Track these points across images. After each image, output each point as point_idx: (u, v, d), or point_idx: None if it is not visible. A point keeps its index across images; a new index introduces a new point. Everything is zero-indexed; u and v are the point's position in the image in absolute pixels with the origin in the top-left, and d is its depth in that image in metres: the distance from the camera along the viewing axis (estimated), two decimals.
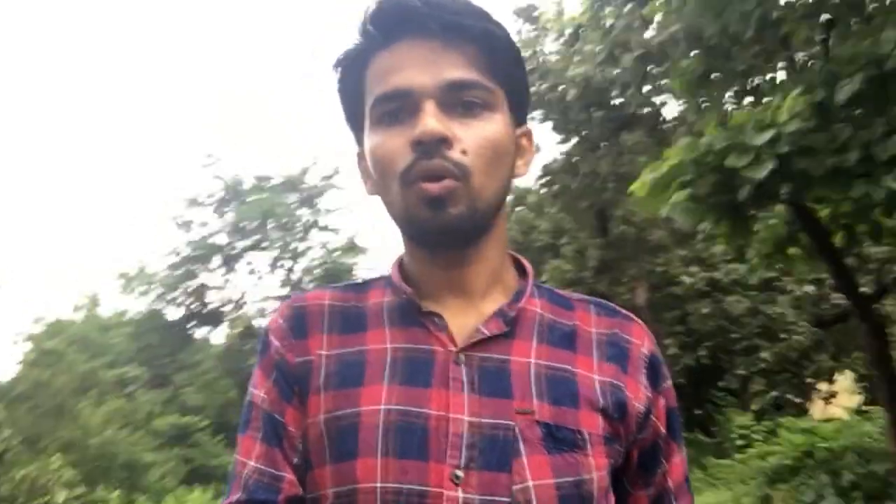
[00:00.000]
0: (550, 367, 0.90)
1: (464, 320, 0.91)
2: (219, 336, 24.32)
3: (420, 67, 0.87)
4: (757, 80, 6.56)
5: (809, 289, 11.52)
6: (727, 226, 5.40)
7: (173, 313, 23.27)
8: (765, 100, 5.81)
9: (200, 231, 22.76)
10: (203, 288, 22.98)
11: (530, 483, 0.84)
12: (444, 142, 0.85)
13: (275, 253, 23.05)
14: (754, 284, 12.56)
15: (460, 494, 0.83)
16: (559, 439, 0.86)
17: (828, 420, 10.04)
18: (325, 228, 23.63)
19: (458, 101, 0.87)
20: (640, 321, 0.99)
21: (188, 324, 23.32)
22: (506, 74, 0.91)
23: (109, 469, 14.97)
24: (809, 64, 6.26)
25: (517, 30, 13.94)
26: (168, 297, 22.72)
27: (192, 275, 22.76)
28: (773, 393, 11.00)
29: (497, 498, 0.83)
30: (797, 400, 13.27)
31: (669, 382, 0.98)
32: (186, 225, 22.79)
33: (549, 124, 9.19)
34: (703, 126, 5.95)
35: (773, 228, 6.48)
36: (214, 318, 23.59)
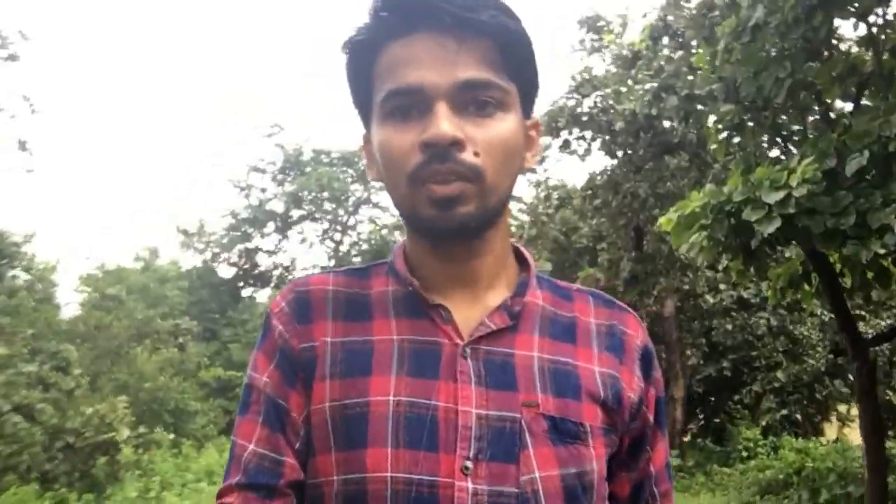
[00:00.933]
0: (553, 361, 0.92)
1: (469, 312, 0.93)
2: (265, 296, 25.59)
3: (433, 64, 0.86)
4: (790, 129, 7.20)
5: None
6: (741, 265, 6.10)
7: (226, 272, 24.58)
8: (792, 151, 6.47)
9: (259, 196, 23.91)
10: (256, 250, 24.16)
11: (537, 474, 0.86)
12: (455, 144, 0.85)
13: (326, 225, 24.11)
14: (783, 304, 13.15)
15: (470, 485, 0.85)
16: (563, 431, 0.89)
17: (835, 442, 10.65)
18: (375, 205, 24.61)
19: (471, 100, 0.87)
20: (634, 313, 1.02)
21: (239, 283, 24.58)
22: (519, 70, 0.91)
23: (159, 413, 16.19)
24: (841, 117, 6.86)
25: (580, 39, 14.55)
26: (222, 256, 23.98)
27: (246, 237, 23.94)
28: (783, 411, 11.65)
29: (505, 488, 0.85)
30: (816, 419, 13.85)
31: (659, 373, 1.01)
32: (247, 189, 23.95)
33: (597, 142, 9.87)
34: (736, 166, 6.64)
35: (790, 265, 7.15)
36: (263, 280, 24.79)
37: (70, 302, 20.82)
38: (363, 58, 0.91)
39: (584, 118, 9.46)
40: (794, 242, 6.58)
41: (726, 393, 13.37)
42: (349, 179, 24.61)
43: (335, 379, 0.90)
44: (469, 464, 0.85)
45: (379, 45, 0.89)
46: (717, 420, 13.63)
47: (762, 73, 5.93)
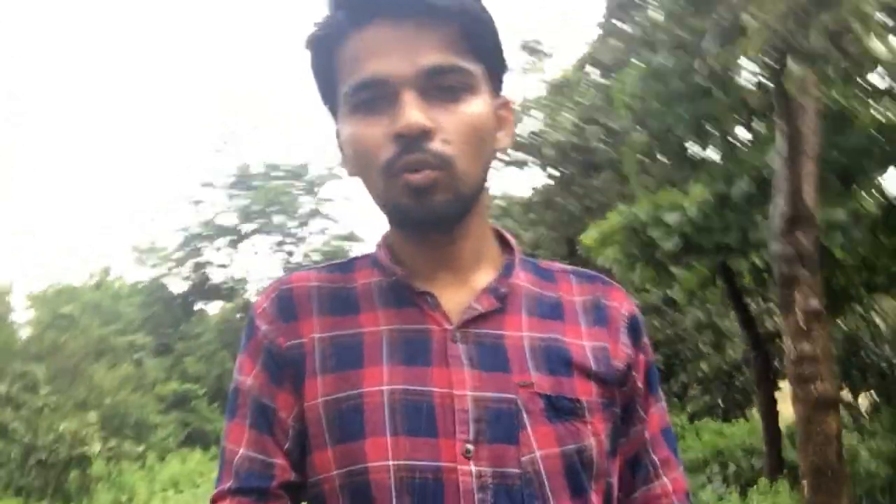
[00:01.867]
0: (543, 339, 0.93)
1: (455, 297, 0.93)
2: (217, 308, 26.01)
3: (395, 53, 0.85)
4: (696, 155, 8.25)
5: (753, 307, 13.26)
6: (652, 274, 7.12)
7: (178, 286, 24.94)
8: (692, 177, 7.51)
9: (210, 210, 24.40)
10: (208, 264, 24.62)
11: (537, 453, 0.87)
12: (425, 133, 0.85)
13: (277, 238, 24.69)
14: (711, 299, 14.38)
15: (473, 468, 0.85)
16: (559, 409, 0.89)
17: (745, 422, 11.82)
18: (326, 216, 25.29)
19: (437, 86, 0.86)
20: (618, 285, 1.02)
21: (191, 297, 24.97)
22: (484, 50, 0.90)
23: (121, 428, 16.64)
24: (734, 146, 7.92)
25: (521, 61, 15.54)
26: (175, 272, 24.37)
27: (198, 252, 24.37)
28: (707, 398, 12.84)
29: (508, 469, 0.86)
30: (742, 404, 15.12)
31: (646, 339, 1.01)
32: (198, 204, 24.40)
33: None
34: (646, 189, 7.64)
35: (698, 271, 8.22)
36: (216, 294, 25.23)
37: (17, 322, 20.87)
38: (324, 53, 0.91)
39: (519, 140, 10.45)
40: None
41: (661, 384, 14.48)
42: (298, 192, 25.22)
43: (327, 374, 0.90)
44: (470, 447, 0.86)
45: (339, 39, 0.89)
46: None
47: (666, 112, 6.95)
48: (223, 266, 24.74)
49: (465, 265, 0.95)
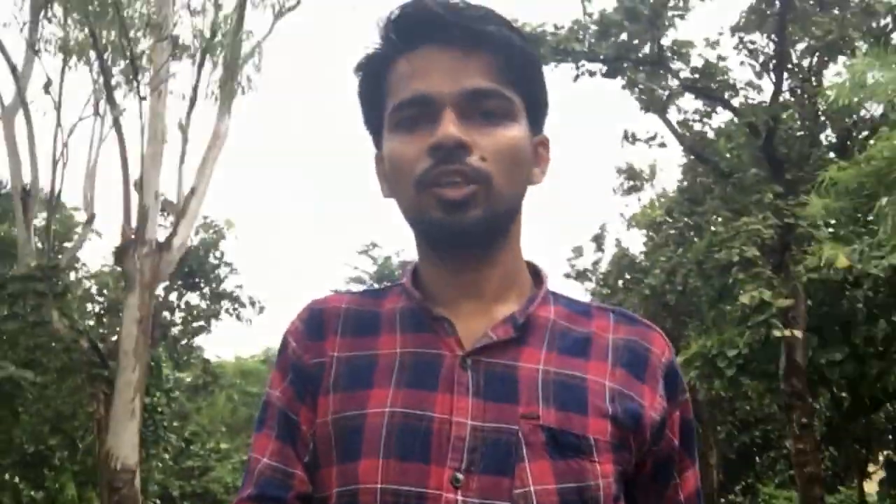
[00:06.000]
0: (559, 374, 0.92)
1: (475, 325, 0.93)
2: None
3: (441, 75, 0.90)
4: None
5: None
6: (725, 386, 10.40)
7: None
8: None
9: None
10: None
11: (531, 488, 0.85)
12: (462, 148, 0.88)
13: None
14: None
15: (459, 497, 0.85)
16: (563, 444, 0.87)
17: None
18: None
19: (477, 109, 0.90)
20: (660, 331, 1.00)
21: None
22: (525, 84, 0.94)
23: None
24: None
25: (619, 183, 18.85)
26: None
27: None
28: (791, 472, 15.60)
29: (497, 502, 0.85)
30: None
31: (686, 395, 0.99)
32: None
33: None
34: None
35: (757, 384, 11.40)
36: None
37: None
38: (373, 77, 0.96)
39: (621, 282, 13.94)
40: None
41: (757, 456, 17.27)
42: None
43: (337, 392, 0.93)
44: (460, 476, 0.85)
45: (388, 63, 0.94)
46: (749, 480, 17.52)
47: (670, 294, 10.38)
48: None
49: (490, 295, 0.96)
